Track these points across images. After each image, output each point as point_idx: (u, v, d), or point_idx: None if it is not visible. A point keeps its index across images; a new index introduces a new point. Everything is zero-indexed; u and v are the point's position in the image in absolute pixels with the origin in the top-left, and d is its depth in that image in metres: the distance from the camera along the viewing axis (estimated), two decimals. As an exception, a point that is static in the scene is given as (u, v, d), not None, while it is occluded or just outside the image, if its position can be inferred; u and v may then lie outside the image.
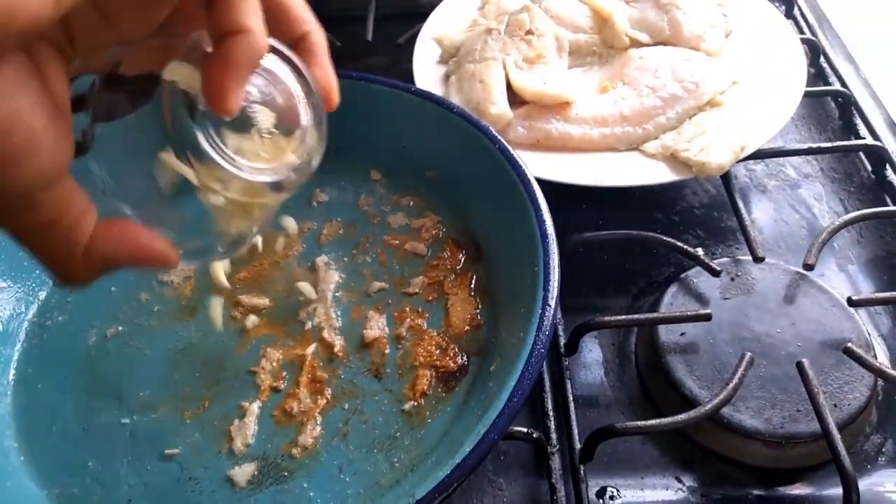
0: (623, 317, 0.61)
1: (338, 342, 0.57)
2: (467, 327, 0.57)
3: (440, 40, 0.82)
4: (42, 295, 0.61)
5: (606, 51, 0.79)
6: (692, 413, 0.53)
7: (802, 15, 0.94)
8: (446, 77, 0.79)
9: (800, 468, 0.55)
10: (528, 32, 0.77)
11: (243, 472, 0.51)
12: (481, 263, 0.61)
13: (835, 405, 0.55)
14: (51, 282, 0.62)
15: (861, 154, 0.79)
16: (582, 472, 0.54)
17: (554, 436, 0.55)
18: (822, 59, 0.87)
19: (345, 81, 0.67)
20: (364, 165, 0.69)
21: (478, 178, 0.62)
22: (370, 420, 0.53)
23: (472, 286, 0.60)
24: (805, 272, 0.63)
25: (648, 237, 0.66)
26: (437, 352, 0.56)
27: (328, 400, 0.54)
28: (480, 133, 0.62)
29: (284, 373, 0.56)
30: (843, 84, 0.84)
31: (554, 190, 0.61)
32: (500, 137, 0.61)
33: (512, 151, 0.60)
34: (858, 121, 0.81)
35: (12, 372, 0.57)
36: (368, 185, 0.68)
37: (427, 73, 0.79)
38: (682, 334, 0.60)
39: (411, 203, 0.66)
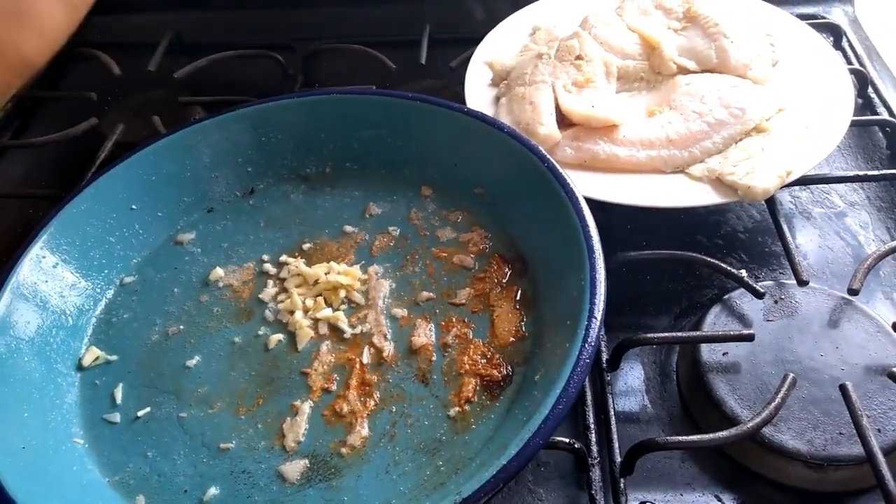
0: (666, 334, 0.62)
1: (387, 348, 0.59)
2: (512, 338, 0.59)
3: (492, 64, 0.84)
4: (109, 293, 0.65)
5: (654, 77, 0.81)
6: (733, 430, 0.53)
7: (851, 46, 0.94)
8: (497, 99, 0.81)
9: (842, 492, 0.55)
10: (578, 58, 0.79)
11: (294, 469, 0.53)
12: (527, 277, 0.63)
13: (878, 430, 0.55)
14: (118, 281, 0.65)
15: (909, 184, 0.78)
16: (622, 485, 0.54)
17: (595, 448, 0.56)
18: (870, 89, 0.87)
19: (399, 102, 0.71)
20: (416, 181, 0.71)
21: (525, 194, 0.64)
22: (417, 423, 0.54)
23: (518, 299, 0.61)
24: (850, 297, 0.64)
25: (692, 258, 0.67)
26: (483, 361, 0.58)
27: (376, 402, 0.56)
28: (529, 151, 0.64)
29: (335, 375, 0.58)
30: (892, 114, 0.84)
31: (599, 209, 0.62)
32: (548, 156, 0.63)
33: (560, 169, 0.62)
34: (907, 151, 0.80)
35: (80, 364, 0.60)
36: (419, 199, 0.71)
37: (478, 95, 0.81)
38: (724, 354, 0.60)
39: (460, 218, 0.69)
